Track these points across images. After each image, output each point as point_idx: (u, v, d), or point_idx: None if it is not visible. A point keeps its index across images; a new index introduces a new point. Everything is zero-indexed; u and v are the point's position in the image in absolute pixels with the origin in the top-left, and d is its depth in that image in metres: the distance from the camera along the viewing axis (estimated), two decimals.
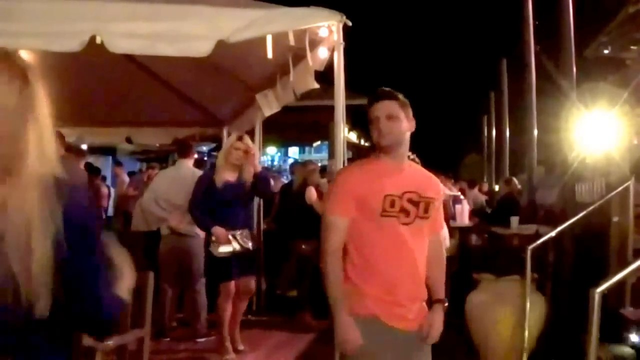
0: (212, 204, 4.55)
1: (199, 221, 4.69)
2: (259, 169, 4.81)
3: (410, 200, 2.41)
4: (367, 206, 2.38)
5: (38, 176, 1.19)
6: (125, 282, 1.41)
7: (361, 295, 2.40)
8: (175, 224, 5.27)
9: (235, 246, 4.50)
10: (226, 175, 4.59)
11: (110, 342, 2.90)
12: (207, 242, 4.61)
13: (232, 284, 4.58)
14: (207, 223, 4.56)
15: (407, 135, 2.45)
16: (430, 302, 2.53)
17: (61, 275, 1.18)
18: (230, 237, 4.48)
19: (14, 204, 1.16)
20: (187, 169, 5.51)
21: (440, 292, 2.57)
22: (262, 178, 4.70)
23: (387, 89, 2.48)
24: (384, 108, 2.41)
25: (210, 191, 4.56)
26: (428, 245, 2.56)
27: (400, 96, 2.45)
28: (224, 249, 4.48)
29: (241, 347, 4.80)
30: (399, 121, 2.40)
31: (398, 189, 2.40)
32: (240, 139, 4.67)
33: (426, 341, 2.46)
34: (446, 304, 2.53)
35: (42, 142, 1.23)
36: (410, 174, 2.48)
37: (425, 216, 2.44)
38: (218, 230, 4.47)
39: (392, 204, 2.37)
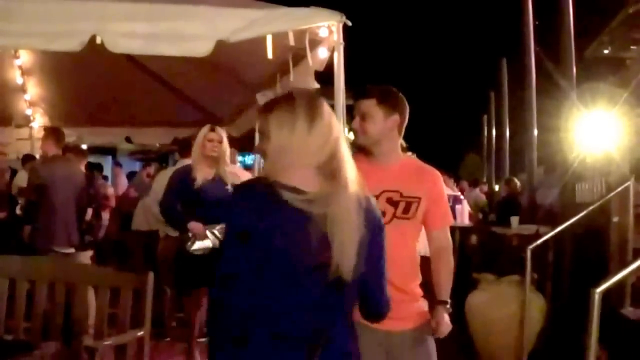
0: (189, 204, 4.19)
1: (172, 219, 4.32)
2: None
3: (388, 200, 2.35)
4: None
5: (350, 180, 1.63)
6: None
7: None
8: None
9: (215, 242, 4.08)
10: (204, 173, 4.27)
11: (110, 342, 2.90)
12: (179, 241, 4.23)
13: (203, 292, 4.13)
14: (181, 219, 4.18)
15: (387, 132, 2.38)
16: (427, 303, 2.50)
17: (363, 259, 1.58)
18: (208, 232, 4.11)
19: (341, 198, 1.58)
20: None
21: (444, 292, 2.48)
22: None
23: (367, 86, 2.41)
24: (359, 107, 2.37)
25: (187, 190, 4.20)
26: (431, 241, 2.51)
27: (381, 91, 2.39)
28: (200, 245, 4.10)
29: None
30: (373, 121, 2.34)
31: (375, 189, 2.26)
32: (212, 129, 4.49)
33: (435, 334, 2.43)
34: (449, 306, 2.46)
35: (348, 156, 1.67)
36: (396, 173, 2.41)
37: (404, 216, 2.37)
38: (194, 225, 4.08)
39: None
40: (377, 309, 1.75)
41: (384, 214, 2.27)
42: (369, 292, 1.68)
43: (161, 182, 5.66)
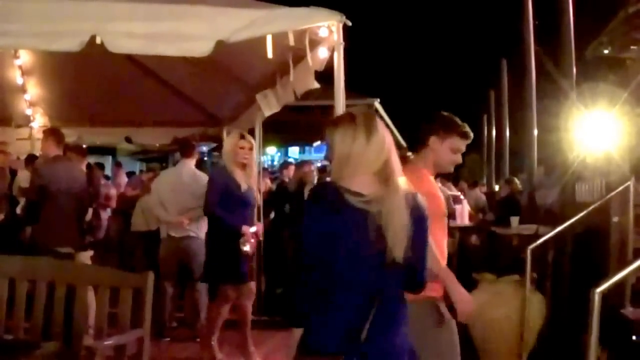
0: (232, 205, 4.42)
1: (224, 220, 4.47)
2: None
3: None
4: (437, 206, 2.72)
5: (399, 183, 2.02)
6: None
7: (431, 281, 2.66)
8: (187, 224, 5.24)
9: (254, 243, 4.52)
10: (241, 178, 4.50)
11: (110, 342, 2.91)
12: (224, 240, 4.45)
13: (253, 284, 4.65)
14: (234, 221, 4.42)
15: None
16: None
17: (410, 244, 1.98)
18: (250, 232, 4.49)
19: (392, 198, 1.97)
20: (189, 170, 5.48)
21: None
22: None
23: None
24: (464, 146, 2.81)
25: (232, 193, 4.43)
26: None
27: None
28: (250, 245, 4.46)
29: (220, 355, 4.70)
30: None
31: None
32: (243, 137, 4.61)
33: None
34: None
35: (397, 163, 2.07)
36: None
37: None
38: (246, 228, 4.42)
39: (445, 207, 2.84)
40: (417, 282, 2.12)
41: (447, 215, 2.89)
42: (413, 270, 2.06)
43: (162, 182, 5.67)
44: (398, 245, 1.95)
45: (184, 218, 5.22)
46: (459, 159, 2.83)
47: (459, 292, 2.66)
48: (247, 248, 4.42)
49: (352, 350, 1.92)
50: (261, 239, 4.72)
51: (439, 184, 7.19)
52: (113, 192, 8.30)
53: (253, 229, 4.53)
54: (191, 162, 5.57)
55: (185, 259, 5.34)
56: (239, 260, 4.42)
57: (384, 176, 2.01)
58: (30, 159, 6.86)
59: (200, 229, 5.40)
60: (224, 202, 4.41)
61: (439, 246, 2.73)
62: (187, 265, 5.37)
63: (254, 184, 4.70)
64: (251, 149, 4.55)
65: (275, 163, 21.63)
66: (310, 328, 2.02)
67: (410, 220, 1.98)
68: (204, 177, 5.46)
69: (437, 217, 2.72)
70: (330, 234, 1.98)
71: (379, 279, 1.98)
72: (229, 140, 4.63)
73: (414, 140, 2.91)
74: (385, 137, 2.05)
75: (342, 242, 1.98)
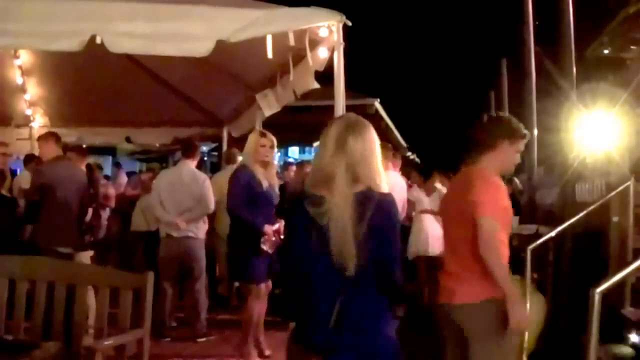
0: (254, 203, 4.41)
1: (247, 220, 4.44)
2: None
3: None
4: (510, 219, 2.87)
5: (348, 191, 2.08)
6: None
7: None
8: (183, 227, 5.24)
9: (277, 240, 4.47)
10: (262, 176, 4.48)
11: (110, 342, 2.90)
12: (246, 239, 4.42)
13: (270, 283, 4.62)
14: (255, 221, 4.40)
15: None
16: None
17: (366, 254, 2.03)
18: (271, 231, 4.45)
19: (335, 207, 2.06)
20: (189, 170, 5.47)
21: None
22: None
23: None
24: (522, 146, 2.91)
25: (254, 191, 4.40)
26: None
27: None
28: (270, 244, 4.43)
29: (268, 352, 4.75)
30: None
31: None
32: (264, 135, 4.60)
33: None
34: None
35: (352, 168, 2.11)
36: None
37: None
38: (268, 227, 4.40)
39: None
40: (390, 289, 2.16)
41: None
42: (382, 277, 2.11)
43: (162, 181, 5.66)
44: (347, 257, 2.03)
45: (180, 220, 5.23)
46: (519, 159, 2.96)
47: (517, 310, 2.69)
48: (266, 247, 4.41)
49: (329, 344, 2.08)
50: (283, 236, 4.65)
51: (439, 184, 7.23)
52: (112, 191, 8.29)
53: (276, 226, 4.49)
54: (192, 163, 5.56)
55: (184, 259, 5.35)
56: (254, 260, 4.41)
57: (332, 188, 2.10)
58: (29, 158, 6.86)
59: (200, 230, 5.41)
60: (246, 201, 4.39)
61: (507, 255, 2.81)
62: (186, 265, 5.37)
63: (274, 182, 4.68)
64: (272, 147, 4.55)
65: (275, 163, 21.63)
66: (298, 322, 2.23)
67: (366, 229, 2.04)
68: (203, 178, 5.47)
69: (509, 229, 2.86)
70: (298, 236, 2.18)
71: (342, 284, 2.07)
72: (250, 139, 4.59)
73: (475, 144, 2.95)
74: (343, 149, 2.11)
75: (307, 247, 2.12)
